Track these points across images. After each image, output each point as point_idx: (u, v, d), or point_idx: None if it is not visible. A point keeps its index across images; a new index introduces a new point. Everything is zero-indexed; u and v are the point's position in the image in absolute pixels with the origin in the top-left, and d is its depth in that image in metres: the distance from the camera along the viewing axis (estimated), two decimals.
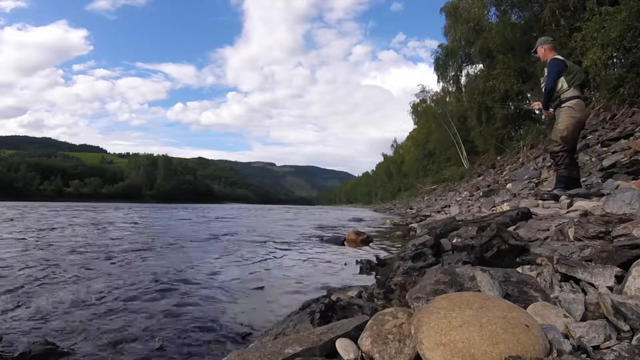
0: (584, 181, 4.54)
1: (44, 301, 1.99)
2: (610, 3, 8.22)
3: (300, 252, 4.04)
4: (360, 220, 11.74)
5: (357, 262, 3.10)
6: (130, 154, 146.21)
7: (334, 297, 1.71)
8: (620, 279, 1.08)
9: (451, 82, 22.05)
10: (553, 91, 3.70)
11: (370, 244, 4.72)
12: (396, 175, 46.16)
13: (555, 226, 2.00)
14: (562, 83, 3.66)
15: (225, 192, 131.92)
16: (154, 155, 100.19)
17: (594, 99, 9.73)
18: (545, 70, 3.81)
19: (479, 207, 6.61)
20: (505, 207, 4.37)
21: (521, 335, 0.78)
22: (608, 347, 0.83)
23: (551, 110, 3.82)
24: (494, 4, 15.37)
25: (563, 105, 3.70)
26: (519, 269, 1.42)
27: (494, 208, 5.34)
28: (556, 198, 3.55)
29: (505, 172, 12.94)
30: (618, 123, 7.73)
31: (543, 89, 3.89)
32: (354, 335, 1.04)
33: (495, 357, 0.75)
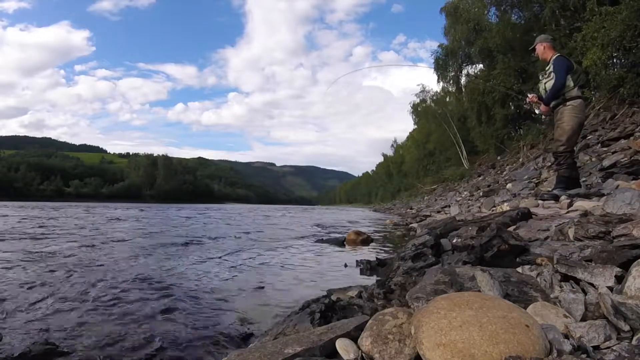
0: (584, 181, 4.54)
1: (44, 301, 1.99)
2: (610, 3, 8.21)
3: (300, 253, 4.04)
4: (359, 220, 11.75)
5: (357, 262, 3.10)
6: (131, 154, 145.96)
7: (334, 297, 1.71)
8: (620, 279, 1.08)
9: (451, 82, 22.04)
10: (564, 87, 3.65)
11: (370, 244, 4.72)
12: (396, 175, 46.14)
13: (555, 226, 2.00)
14: (569, 81, 3.64)
15: (225, 192, 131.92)
16: (154, 155, 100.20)
17: (594, 99, 9.72)
18: (551, 66, 3.76)
19: (479, 207, 6.61)
20: (505, 207, 4.37)
21: (521, 335, 0.78)
22: (608, 347, 0.83)
23: (551, 106, 3.78)
24: (494, 4, 15.35)
25: (567, 103, 3.67)
26: (519, 269, 1.42)
27: (494, 208, 5.33)
28: (556, 198, 3.56)
29: (505, 172, 12.94)
30: (618, 123, 7.72)
31: (544, 86, 3.85)
32: (354, 335, 1.04)
33: (496, 357, 0.75)
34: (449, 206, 9.51)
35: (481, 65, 18.45)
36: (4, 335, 1.48)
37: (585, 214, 2.21)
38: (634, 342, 0.84)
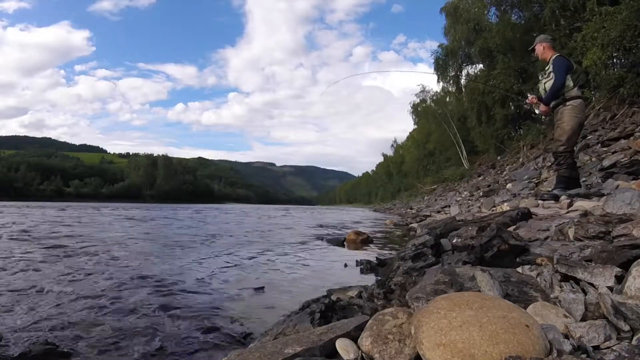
0: (584, 181, 4.54)
1: (43, 301, 1.99)
2: (610, 3, 8.21)
3: (300, 253, 4.04)
4: (360, 220, 11.74)
5: (357, 262, 3.10)
6: (130, 154, 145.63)
7: (334, 297, 1.71)
8: (620, 279, 1.08)
9: (451, 82, 22.03)
10: (563, 87, 3.66)
11: (370, 244, 4.72)
12: (396, 175, 46.14)
13: (555, 226, 2.00)
14: (569, 81, 3.65)
15: (225, 192, 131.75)
16: (154, 155, 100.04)
17: (594, 99, 9.72)
18: (550, 66, 3.76)
19: (479, 207, 6.61)
20: (505, 207, 4.37)
21: (521, 335, 0.78)
22: (608, 347, 0.83)
23: (551, 106, 3.78)
24: (494, 4, 15.36)
25: (567, 103, 3.67)
26: (519, 269, 1.42)
27: (494, 208, 5.33)
28: (556, 198, 3.56)
29: (505, 172, 12.94)
30: (618, 123, 7.72)
31: (544, 86, 3.85)
32: (354, 335, 1.04)
33: (496, 357, 0.75)
34: (449, 206, 9.51)
35: (481, 65, 18.46)
36: (4, 335, 1.48)
37: (585, 214, 2.21)
38: (634, 342, 0.84)
